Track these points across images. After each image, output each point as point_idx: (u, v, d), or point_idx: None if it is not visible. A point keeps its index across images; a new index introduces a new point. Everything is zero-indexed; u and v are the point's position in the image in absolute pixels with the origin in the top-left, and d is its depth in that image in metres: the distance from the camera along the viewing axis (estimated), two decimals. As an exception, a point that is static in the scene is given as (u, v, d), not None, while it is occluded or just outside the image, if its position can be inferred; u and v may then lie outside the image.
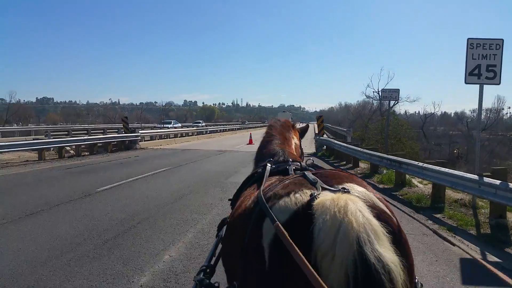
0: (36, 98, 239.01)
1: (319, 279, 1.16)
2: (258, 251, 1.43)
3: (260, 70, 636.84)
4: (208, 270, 2.11)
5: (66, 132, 29.24)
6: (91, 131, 30.66)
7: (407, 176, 10.34)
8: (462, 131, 58.14)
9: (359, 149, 13.00)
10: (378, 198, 1.47)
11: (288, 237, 1.30)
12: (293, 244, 1.27)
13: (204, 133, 37.46)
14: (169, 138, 29.82)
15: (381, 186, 10.67)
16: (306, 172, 1.71)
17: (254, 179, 2.15)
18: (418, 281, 1.54)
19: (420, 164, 8.73)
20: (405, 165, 9.48)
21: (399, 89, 15.53)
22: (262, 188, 1.73)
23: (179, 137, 31.80)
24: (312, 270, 1.19)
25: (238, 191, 2.29)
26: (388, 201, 1.52)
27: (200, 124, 54.09)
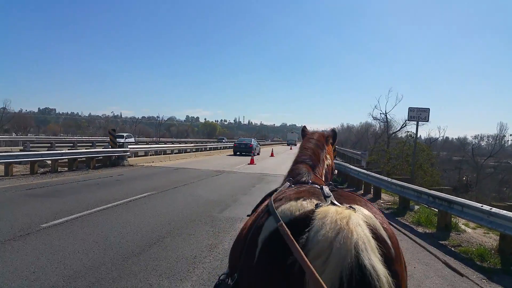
0: (38, 108, 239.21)
1: (319, 278, 1.17)
2: (252, 245, 1.51)
3: (263, 88, 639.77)
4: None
5: (49, 144, 26.91)
6: (78, 144, 28.23)
7: (452, 217, 7.99)
8: (466, 157, 56.33)
9: (386, 178, 10.63)
10: (384, 228, 1.46)
11: (290, 234, 1.34)
12: (294, 241, 1.31)
13: (203, 149, 35.13)
14: (165, 154, 27.54)
15: (419, 229, 8.26)
16: (324, 186, 1.79)
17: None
18: None
19: (486, 207, 6.36)
20: (459, 206, 7.11)
21: (429, 108, 13.29)
22: (275, 194, 1.86)
23: (176, 153, 29.48)
24: (312, 268, 1.20)
25: (257, 206, 2.26)
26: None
27: (223, 141, 56.92)
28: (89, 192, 10.77)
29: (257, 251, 1.47)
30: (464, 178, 46.78)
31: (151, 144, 31.91)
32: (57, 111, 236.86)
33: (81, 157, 17.44)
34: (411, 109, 13.29)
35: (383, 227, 1.47)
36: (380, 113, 52.75)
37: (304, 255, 1.24)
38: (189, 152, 32.09)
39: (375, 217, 1.49)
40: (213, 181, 14.83)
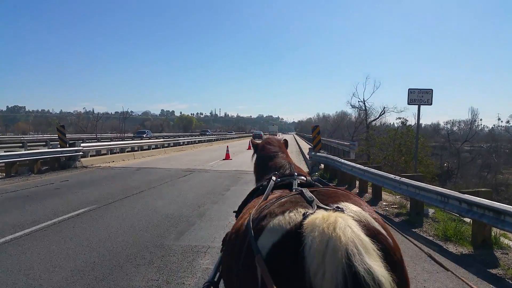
0: (7, 106, 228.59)
1: None
2: (251, 268, 1.45)
3: (238, 80, 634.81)
4: (212, 287, 2.12)
5: (21, 144, 23.66)
6: (28, 144, 24.96)
7: (492, 230, 5.89)
8: (440, 143, 55.89)
9: (392, 176, 8.43)
10: (375, 218, 1.47)
11: (267, 270, 1.33)
12: (269, 276, 1.30)
13: (173, 145, 32.35)
14: (129, 151, 24.68)
15: (450, 247, 6.07)
16: (304, 190, 1.73)
17: (259, 192, 2.20)
18: None
19: None
20: (515, 219, 4.95)
21: (432, 90, 11.19)
22: (253, 213, 1.72)
23: (143, 150, 26.65)
24: None
25: (244, 202, 2.34)
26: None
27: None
28: (10, 209, 8.12)
29: (259, 273, 1.40)
30: (445, 165, 45.98)
31: (116, 141, 28.86)
32: (26, 109, 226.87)
33: (20, 160, 14.54)
34: (411, 91, 11.15)
35: (373, 217, 1.46)
36: (358, 101, 51.10)
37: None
38: (158, 148, 29.31)
39: (364, 210, 1.49)
40: (179, 184, 12.32)
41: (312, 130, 15.88)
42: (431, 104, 11.13)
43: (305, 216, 1.42)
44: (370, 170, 9.69)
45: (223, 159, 22.24)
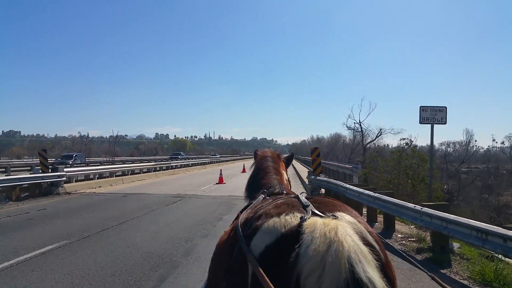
0: (2, 131, 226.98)
1: None
2: (243, 269, 1.45)
3: (232, 103, 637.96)
4: None
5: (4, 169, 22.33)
6: (14, 169, 23.65)
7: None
8: (436, 164, 55.21)
9: (411, 206, 7.34)
10: (369, 232, 1.46)
11: (262, 271, 1.33)
12: (265, 277, 1.30)
13: (165, 168, 31.13)
14: (119, 175, 23.44)
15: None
16: (300, 195, 1.77)
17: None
18: None
19: None
20: None
21: (445, 107, 10.28)
22: (240, 218, 1.76)
23: (134, 174, 25.42)
24: None
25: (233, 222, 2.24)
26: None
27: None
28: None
29: (250, 273, 1.42)
30: (446, 187, 45.03)
31: (106, 165, 27.61)
32: (22, 133, 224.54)
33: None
34: (423, 109, 10.22)
35: (368, 231, 1.46)
36: (354, 123, 50.48)
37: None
38: (150, 172, 28.07)
39: (359, 222, 1.48)
40: (166, 213, 11.11)
41: (312, 152, 14.84)
42: (445, 123, 10.20)
43: (302, 220, 1.40)
44: (381, 197, 8.60)
45: (216, 183, 21.07)
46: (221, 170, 22.67)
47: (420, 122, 10.27)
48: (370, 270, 1.20)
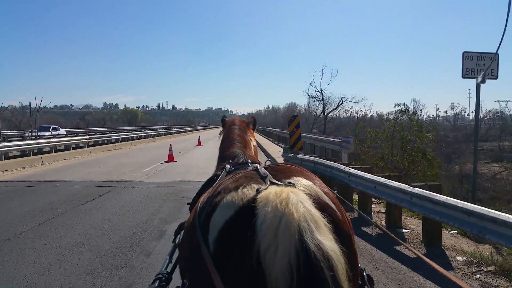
0: None
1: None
2: (206, 247, 1.42)
3: (186, 72, 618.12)
4: (163, 278, 1.96)
5: None
6: None
7: None
8: (351, 130, 54.10)
9: (457, 203, 3.98)
10: (325, 193, 1.48)
11: (211, 262, 1.32)
12: (217, 276, 1.28)
13: (104, 143, 26.33)
14: (36, 154, 18.62)
15: None
16: (258, 166, 1.73)
17: (213, 182, 2.13)
18: (364, 268, 1.62)
19: None
20: None
21: (498, 54, 6.92)
22: (202, 198, 1.72)
23: (58, 151, 20.63)
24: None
25: (198, 194, 2.25)
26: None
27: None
28: None
29: (212, 251, 1.38)
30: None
31: (23, 141, 22.37)
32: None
33: None
34: (468, 56, 6.85)
35: (324, 192, 1.48)
36: (316, 91, 47.44)
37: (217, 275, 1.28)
38: (82, 148, 23.29)
39: (315, 185, 1.50)
40: (76, 221, 7.02)
41: (289, 123, 11.20)
42: (496, 77, 6.87)
43: (258, 191, 1.39)
44: (427, 194, 5.18)
45: (165, 161, 17.04)
46: (170, 145, 18.54)
47: (463, 76, 6.91)
48: (319, 236, 1.19)
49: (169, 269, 2.10)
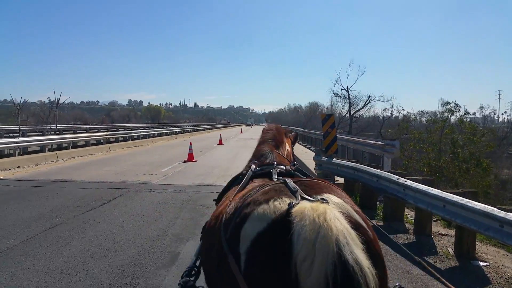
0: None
1: None
2: (234, 256, 1.44)
3: (209, 70, 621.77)
4: (193, 272, 2.08)
5: None
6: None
7: None
8: (393, 132, 51.60)
9: None
10: (356, 211, 1.49)
11: (238, 271, 1.39)
12: (242, 278, 1.36)
13: (123, 139, 25.57)
14: (55, 150, 17.95)
15: None
16: (287, 180, 1.72)
17: (239, 181, 2.18)
18: (397, 285, 1.62)
19: None
20: None
21: None
22: (228, 209, 1.72)
23: (76, 147, 19.94)
24: None
25: (223, 191, 2.35)
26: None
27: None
28: None
29: (243, 261, 1.41)
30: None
31: (41, 136, 21.78)
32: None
33: None
34: None
35: (355, 210, 1.49)
36: (341, 89, 45.44)
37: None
38: (102, 144, 22.58)
39: (346, 203, 1.51)
40: (72, 233, 5.88)
41: (323, 122, 9.83)
42: None
43: (290, 205, 1.41)
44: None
45: (185, 161, 15.95)
46: (190, 143, 17.45)
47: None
48: (356, 251, 1.22)
49: (198, 263, 2.14)
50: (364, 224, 1.44)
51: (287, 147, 3.00)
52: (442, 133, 11.39)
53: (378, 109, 50.24)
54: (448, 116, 11.89)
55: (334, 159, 9.31)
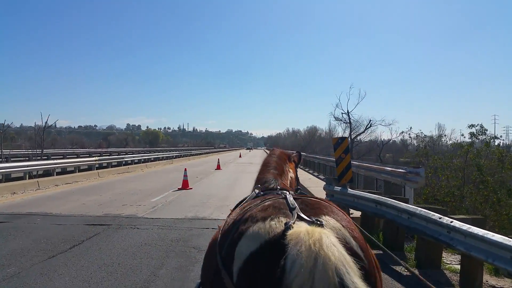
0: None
1: None
2: (228, 274, 1.44)
3: (207, 95, 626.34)
4: None
5: None
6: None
7: None
8: (410, 158, 50.72)
9: None
10: (353, 237, 1.45)
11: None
12: None
13: (115, 164, 24.17)
14: (40, 176, 16.58)
15: None
16: (288, 195, 1.72)
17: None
18: None
19: None
20: None
21: None
22: (239, 209, 1.83)
23: (63, 174, 18.59)
24: None
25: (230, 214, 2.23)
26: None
27: None
28: None
29: (235, 280, 1.40)
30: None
31: (28, 161, 20.44)
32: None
33: None
34: None
35: (352, 236, 1.46)
36: (342, 113, 44.50)
37: None
38: (91, 170, 21.22)
39: (343, 227, 1.47)
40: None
41: (335, 146, 8.56)
42: None
43: (286, 227, 1.38)
44: None
45: (178, 189, 14.58)
46: (185, 170, 16.11)
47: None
48: (357, 281, 1.20)
49: None
50: (361, 253, 1.41)
51: (291, 174, 2.96)
52: (466, 158, 10.12)
53: (378, 133, 48.81)
54: (473, 140, 10.66)
55: (349, 189, 7.99)
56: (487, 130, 10.64)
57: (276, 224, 1.43)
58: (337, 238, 1.33)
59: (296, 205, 1.58)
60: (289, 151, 3.46)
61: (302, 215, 1.49)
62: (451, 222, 4.83)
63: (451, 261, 6.20)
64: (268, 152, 3.07)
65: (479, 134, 10.68)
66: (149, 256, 5.94)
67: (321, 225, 1.40)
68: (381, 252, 6.53)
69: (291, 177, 2.94)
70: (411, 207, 5.79)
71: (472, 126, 10.78)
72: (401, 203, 6.12)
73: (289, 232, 1.33)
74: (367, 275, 1.34)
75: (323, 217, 1.49)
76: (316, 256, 1.20)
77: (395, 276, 5.43)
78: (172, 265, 5.53)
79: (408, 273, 5.51)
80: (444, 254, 6.19)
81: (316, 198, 1.84)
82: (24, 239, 6.92)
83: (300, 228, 1.33)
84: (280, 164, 2.89)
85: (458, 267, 5.69)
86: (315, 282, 1.16)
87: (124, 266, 5.44)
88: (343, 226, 1.47)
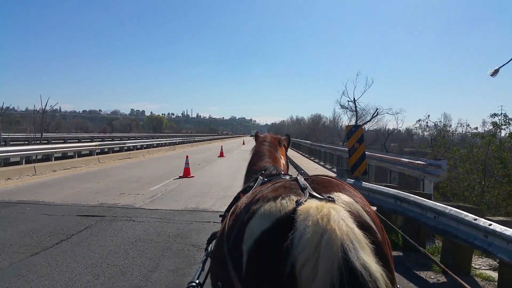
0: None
1: None
2: (237, 255, 1.40)
3: (211, 81, 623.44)
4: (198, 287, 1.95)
5: None
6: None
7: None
8: (415, 148, 49.92)
9: None
10: (367, 211, 1.41)
11: (235, 274, 1.38)
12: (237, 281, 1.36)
13: (117, 150, 23.59)
14: (39, 161, 16.04)
15: None
16: (299, 177, 1.70)
17: (248, 190, 2.10)
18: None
19: None
20: None
21: None
22: (250, 193, 1.81)
23: (63, 159, 18.07)
24: None
25: (230, 205, 2.16)
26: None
27: None
28: None
29: (244, 260, 1.36)
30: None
31: (26, 145, 19.90)
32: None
33: None
34: None
35: (365, 210, 1.42)
36: (348, 101, 43.55)
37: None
38: (91, 155, 20.68)
39: (356, 202, 1.44)
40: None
41: (349, 135, 7.87)
42: None
43: (297, 203, 1.36)
44: None
45: (180, 177, 13.99)
46: (187, 157, 15.49)
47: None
48: (364, 256, 1.13)
49: (202, 278, 2.07)
50: (373, 225, 1.37)
51: (283, 161, 3.00)
52: (488, 150, 9.38)
53: (384, 121, 47.98)
54: (495, 130, 9.88)
55: (364, 183, 7.32)
56: (511, 120, 9.82)
57: (287, 202, 1.40)
58: (349, 212, 1.30)
59: (307, 184, 1.54)
60: (279, 136, 3.46)
61: (314, 193, 1.46)
62: (490, 225, 4.15)
63: (480, 265, 5.54)
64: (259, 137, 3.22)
65: (502, 124, 9.92)
66: (143, 255, 5.33)
67: (332, 201, 1.36)
68: (401, 253, 5.90)
69: (283, 164, 2.98)
70: (439, 205, 5.11)
71: (494, 115, 9.98)
72: (426, 200, 5.46)
73: (299, 207, 1.31)
74: (380, 249, 1.29)
75: (335, 193, 1.46)
76: (323, 231, 1.17)
77: (420, 283, 4.79)
78: (167, 267, 4.91)
79: (435, 280, 4.87)
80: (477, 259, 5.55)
81: (328, 176, 1.77)
82: (8, 231, 6.34)
83: (310, 204, 1.31)
84: (272, 151, 2.93)
85: (490, 273, 5.07)
86: (320, 258, 1.13)
87: (114, 267, 4.84)
88: (355, 201, 1.43)
